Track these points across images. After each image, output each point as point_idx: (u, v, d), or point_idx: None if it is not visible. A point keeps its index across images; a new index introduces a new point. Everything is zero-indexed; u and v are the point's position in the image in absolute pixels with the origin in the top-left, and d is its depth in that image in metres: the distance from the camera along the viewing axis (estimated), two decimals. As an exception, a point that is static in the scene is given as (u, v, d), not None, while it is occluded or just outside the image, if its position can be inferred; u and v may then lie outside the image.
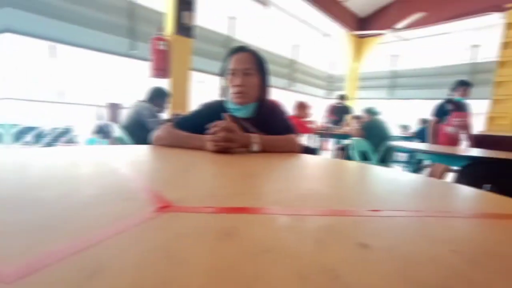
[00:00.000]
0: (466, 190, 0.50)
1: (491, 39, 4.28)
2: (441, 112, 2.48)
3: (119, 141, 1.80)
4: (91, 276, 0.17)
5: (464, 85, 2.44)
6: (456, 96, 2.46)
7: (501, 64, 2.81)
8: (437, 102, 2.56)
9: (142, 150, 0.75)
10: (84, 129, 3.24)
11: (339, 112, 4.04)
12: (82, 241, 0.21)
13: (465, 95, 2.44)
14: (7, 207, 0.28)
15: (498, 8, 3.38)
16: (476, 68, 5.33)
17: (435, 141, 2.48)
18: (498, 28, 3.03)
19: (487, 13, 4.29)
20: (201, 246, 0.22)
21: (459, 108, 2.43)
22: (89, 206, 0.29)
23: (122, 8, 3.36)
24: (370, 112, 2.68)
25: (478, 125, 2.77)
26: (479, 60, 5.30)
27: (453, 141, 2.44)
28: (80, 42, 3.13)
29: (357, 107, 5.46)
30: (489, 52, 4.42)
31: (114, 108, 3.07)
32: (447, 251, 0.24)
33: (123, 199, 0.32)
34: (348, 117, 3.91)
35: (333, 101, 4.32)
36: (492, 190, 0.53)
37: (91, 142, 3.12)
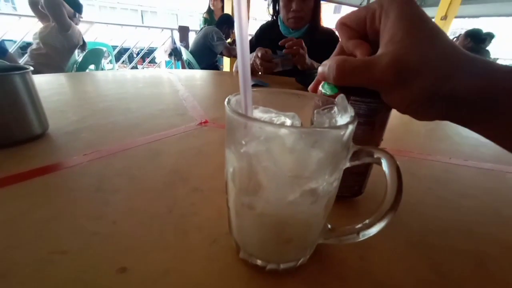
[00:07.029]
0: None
1: None
2: None
3: (186, 63, 1.99)
4: (155, 155, 0.30)
5: None
6: None
7: None
8: None
9: (199, 76, 0.86)
10: (161, 51, 3.56)
11: None
12: (151, 137, 0.34)
13: None
14: (111, 113, 0.43)
15: None
16: None
17: None
18: None
19: None
20: (218, 149, 0.32)
21: None
22: (156, 115, 0.43)
23: None
24: (474, 36, 1.91)
25: None
26: None
27: None
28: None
29: (457, 29, 3.62)
30: None
31: (183, 31, 3.20)
32: None
33: (178, 114, 0.44)
34: None
35: None
36: None
37: (167, 64, 3.50)
